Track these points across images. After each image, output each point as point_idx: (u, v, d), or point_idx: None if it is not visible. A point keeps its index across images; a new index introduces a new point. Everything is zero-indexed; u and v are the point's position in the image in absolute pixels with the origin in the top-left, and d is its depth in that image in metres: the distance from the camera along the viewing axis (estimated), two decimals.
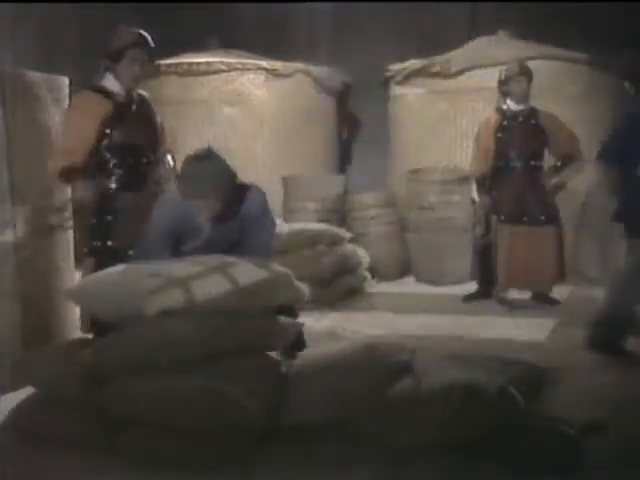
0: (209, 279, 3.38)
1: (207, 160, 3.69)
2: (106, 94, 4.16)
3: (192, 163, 3.68)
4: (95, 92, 4.17)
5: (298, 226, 6.46)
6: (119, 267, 3.59)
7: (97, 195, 4.12)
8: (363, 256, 6.71)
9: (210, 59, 7.98)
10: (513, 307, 5.91)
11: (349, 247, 6.68)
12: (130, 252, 4.00)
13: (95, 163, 4.14)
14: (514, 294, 6.16)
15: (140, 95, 4.33)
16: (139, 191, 4.17)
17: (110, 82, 4.19)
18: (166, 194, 4.00)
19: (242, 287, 3.39)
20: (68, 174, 4.07)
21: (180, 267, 3.46)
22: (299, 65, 8.19)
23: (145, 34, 4.20)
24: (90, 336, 3.91)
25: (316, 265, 6.11)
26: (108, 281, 3.50)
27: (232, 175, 3.76)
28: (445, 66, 7.50)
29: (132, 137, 4.17)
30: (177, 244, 3.82)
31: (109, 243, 4.13)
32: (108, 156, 4.13)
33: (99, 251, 4.14)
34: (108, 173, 4.14)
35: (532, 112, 5.96)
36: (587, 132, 6.52)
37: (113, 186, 4.14)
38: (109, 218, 4.14)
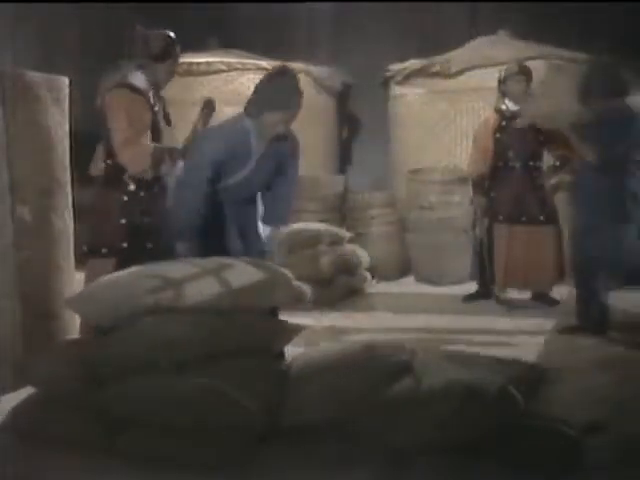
0: (207, 280, 3.39)
1: (291, 72, 4.04)
2: (133, 90, 4.07)
3: (277, 75, 4.01)
4: (122, 87, 4.06)
5: (298, 226, 6.46)
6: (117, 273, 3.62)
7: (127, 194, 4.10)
8: (363, 256, 6.71)
9: (210, 59, 7.99)
10: (512, 307, 5.92)
11: (349, 247, 6.68)
12: (162, 251, 4.02)
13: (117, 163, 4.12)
14: (514, 294, 6.16)
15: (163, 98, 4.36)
16: (162, 191, 4.15)
17: (141, 81, 4.12)
18: (207, 129, 4.10)
19: (240, 288, 3.40)
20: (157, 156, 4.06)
21: (177, 268, 3.47)
22: (299, 65, 8.19)
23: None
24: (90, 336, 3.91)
25: (316, 265, 6.11)
26: (106, 285, 3.51)
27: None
28: (445, 66, 7.51)
29: (159, 137, 4.19)
30: (217, 180, 4.00)
31: (149, 245, 4.06)
32: None
33: (127, 252, 4.06)
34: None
35: None
36: None
37: (139, 186, 4.10)
38: (146, 219, 4.08)
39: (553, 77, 7.02)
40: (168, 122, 4.31)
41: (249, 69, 8.00)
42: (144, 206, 4.07)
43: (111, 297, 3.38)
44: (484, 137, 5.99)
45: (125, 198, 4.08)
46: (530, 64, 6.16)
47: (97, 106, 4.10)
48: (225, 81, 7.95)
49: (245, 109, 4.09)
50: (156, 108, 4.21)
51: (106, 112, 4.04)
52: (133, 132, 3.99)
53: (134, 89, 4.08)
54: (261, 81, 4.06)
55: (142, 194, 4.08)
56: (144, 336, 3.22)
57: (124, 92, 4.06)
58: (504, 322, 5.52)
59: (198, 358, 3.19)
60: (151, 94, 4.17)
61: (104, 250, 4.10)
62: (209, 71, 7.92)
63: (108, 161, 4.13)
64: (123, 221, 4.07)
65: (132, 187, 4.06)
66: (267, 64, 8.04)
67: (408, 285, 7.11)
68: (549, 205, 5.98)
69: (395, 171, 7.93)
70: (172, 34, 4.26)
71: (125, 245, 4.06)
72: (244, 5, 8.90)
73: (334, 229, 6.67)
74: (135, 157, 4.02)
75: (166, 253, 4.03)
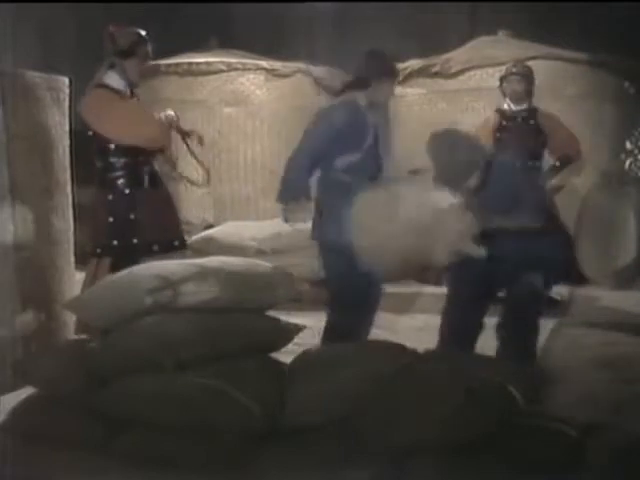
0: (206, 280, 3.39)
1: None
2: (111, 90, 4.24)
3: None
4: (100, 88, 4.24)
5: (298, 226, 6.45)
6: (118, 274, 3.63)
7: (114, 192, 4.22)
8: None
9: (210, 59, 7.99)
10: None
11: None
12: (154, 247, 4.19)
13: (104, 164, 4.23)
14: None
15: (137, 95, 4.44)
16: (154, 188, 4.28)
17: (115, 80, 4.26)
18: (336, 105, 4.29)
19: (239, 287, 3.41)
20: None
21: (177, 268, 3.46)
22: (299, 65, 8.19)
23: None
24: (89, 336, 3.92)
25: (316, 265, 6.10)
26: (106, 286, 3.52)
27: None
28: (445, 66, 7.50)
29: None
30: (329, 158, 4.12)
31: (135, 241, 4.21)
32: (119, 155, 4.21)
33: (118, 249, 4.19)
34: (120, 172, 4.23)
35: (532, 112, 5.96)
36: (587, 132, 6.52)
37: (125, 185, 4.21)
38: (132, 216, 4.20)
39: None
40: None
41: (249, 69, 8.00)
42: (129, 203, 4.20)
43: (111, 298, 3.38)
44: (484, 136, 5.98)
45: (110, 197, 4.21)
46: (530, 64, 6.15)
47: (78, 111, 4.23)
48: (225, 81, 7.95)
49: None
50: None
51: (87, 115, 4.16)
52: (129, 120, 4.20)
53: (110, 88, 4.22)
54: None
55: (127, 191, 4.18)
56: (144, 336, 3.22)
57: (101, 92, 4.16)
58: None
59: (198, 358, 3.18)
60: (128, 92, 4.24)
61: (98, 250, 4.21)
62: (209, 71, 7.92)
63: (98, 163, 4.26)
64: (110, 219, 4.17)
65: (121, 182, 4.15)
66: (267, 64, 8.04)
67: (408, 285, 7.10)
68: (548, 205, 5.97)
69: (395, 171, 7.91)
70: (142, 32, 4.34)
71: (115, 243, 4.17)
72: (244, 5, 8.90)
73: None
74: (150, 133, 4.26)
75: (149, 248, 4.20)
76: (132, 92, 4.34)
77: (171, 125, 4.39)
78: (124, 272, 3.57)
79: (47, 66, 5.61)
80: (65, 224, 4.49)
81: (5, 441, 3.34)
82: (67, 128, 4.48)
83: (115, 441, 3.15)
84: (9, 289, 4.08)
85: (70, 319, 4.40)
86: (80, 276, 4.64)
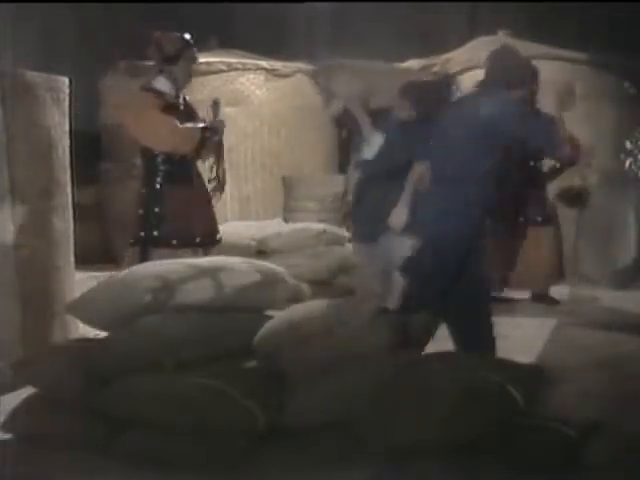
0: (206, 280, 3.40)
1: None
2: (156, 94, 4.45)
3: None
4: (146, 91, 4.47)
5: (298, 226, 6.46)
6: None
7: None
8: None
9: (210, 59, 7.99)
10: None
11: (349, 247, 6.67)
12: (173, 242, 4.41)
13: (146, 162, 4.49)
14: (513, 294, 6.16)
15: (184, 96, 4.67)
16: (189, 186, 4.49)
17: (162, 84, 4.49)
18: None
19: (239, 287, 3.41)
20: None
21: (176, 268, 3.47)
22: (299, 65, 8.20)
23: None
24: (90, 336, 3.92)
25: (316, 265, 6.11)
26: (105, 287, 3.53)
27: None
28: (445, 66, 7.51)
29: None
30: None
31: (155, 233, 4.41)
32: (157, 152, 4.43)
33: (144, 240, 4.42)
34: (157, 169, 4.44)
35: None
36: (587, 132, 6.51)
37: (163, 180, 4.43)
38: (156, 209, 4.41)
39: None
40: (196, 119, 4.62)
41: (249, 69, 8.01)
42: (157, 197, 4.42)
43: (111, 298, 3.38)
44: None
45: (143, 190, 4.48)
46: None
47: (115, 106, 4.42)
48: (225, 81, 7.96)
49: None
50: (181, 108, 4.50)
51: (123, 119, 4.39)
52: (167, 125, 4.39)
53: (154, 91, 4.47)
54: None
55: (157, 187, 4.43)
56: (144, 336, 3.22)
57: (144, 96, 4.47)
58: (504, 322, 5.51)
59: (198, 358, 3.19)
60: (174, 93, 4.51)
61: (131, 240, 4.51)
62: (209, 71, 7.93)
63: (140, 160, 4.62)
64: (140, 212, 4.47)
65: (159, 181, 4.40)
66: (267, 64, 8.05)
67: None
68: (548, 206, 5.97)
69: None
70: (187, 36, 4.54)
71: (142, 234, 4.44)
72: (244, 5, 8.91)
73: (334, 229, 6.67)
74: (180, 139, 4.42)
75: (168, 242, 4.39)
76: (178, 94, 4.55)
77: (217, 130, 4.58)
78: (123, 272, 3.58)
79: (47, 66, 5.62)
80: (65, 224, 4.48)
81: (5, 441, 3.34)
82: (67, 128, 4.49)
83: (115, 441, 3.15)
84: (9, 289, 4.07)
85: (70, 319, 4.40)
86: (80, 276, 4.65)
